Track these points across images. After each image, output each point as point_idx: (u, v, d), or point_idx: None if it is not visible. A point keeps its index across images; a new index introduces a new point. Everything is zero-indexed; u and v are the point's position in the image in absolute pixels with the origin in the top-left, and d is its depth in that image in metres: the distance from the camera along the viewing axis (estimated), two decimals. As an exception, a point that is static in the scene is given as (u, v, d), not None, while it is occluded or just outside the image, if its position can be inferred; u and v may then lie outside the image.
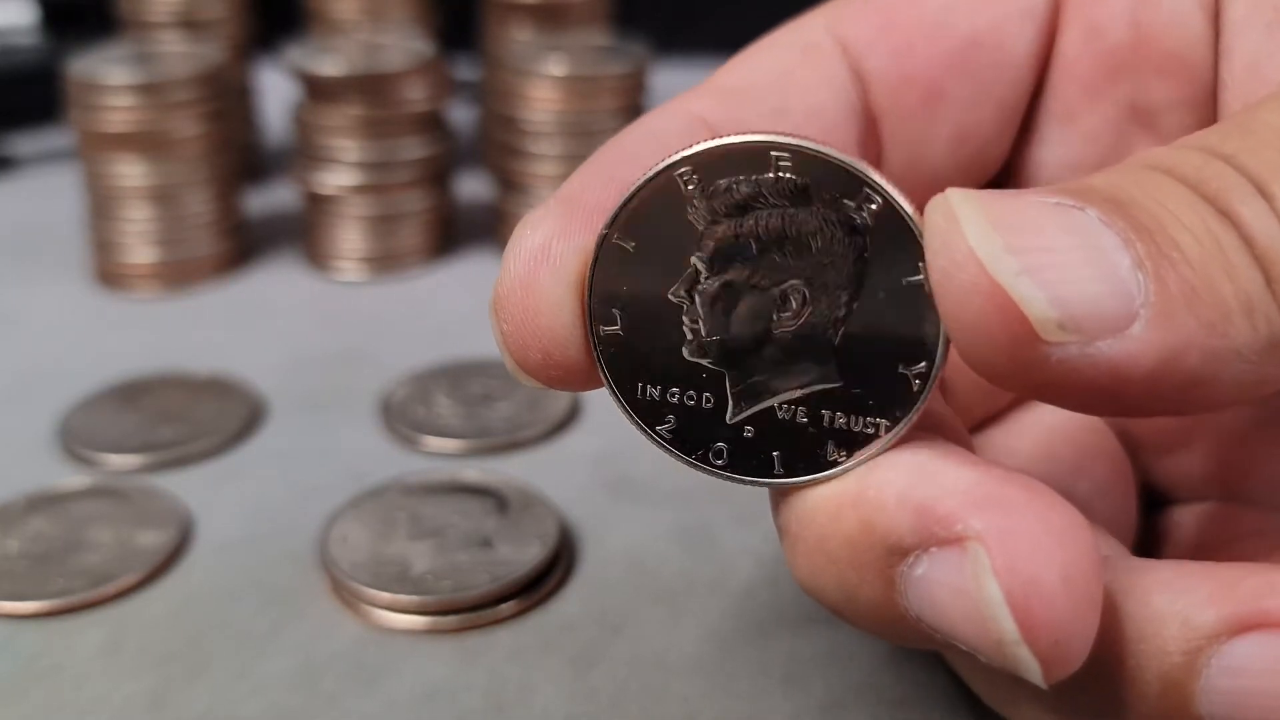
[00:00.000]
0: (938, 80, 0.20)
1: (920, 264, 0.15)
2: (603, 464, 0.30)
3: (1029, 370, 0.14)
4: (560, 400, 0.32)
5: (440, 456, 0.31)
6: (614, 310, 0.17)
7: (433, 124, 0.42)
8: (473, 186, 0.50)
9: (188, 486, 0.29)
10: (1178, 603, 0.15)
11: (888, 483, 0.15)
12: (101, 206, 0.40)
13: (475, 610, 0.24)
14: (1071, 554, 0.14)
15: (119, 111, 0.39)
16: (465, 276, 0.42)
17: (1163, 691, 0.15)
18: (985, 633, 0.14)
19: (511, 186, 0.43)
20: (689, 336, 0.16)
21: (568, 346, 0.17)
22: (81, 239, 0.43)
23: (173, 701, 0.22)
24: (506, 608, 0.24)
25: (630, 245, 0.16)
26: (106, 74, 0.39)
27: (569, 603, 0.25)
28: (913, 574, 0.15)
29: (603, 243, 0.16)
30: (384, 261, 0.42)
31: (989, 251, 0.14)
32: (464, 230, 0.45)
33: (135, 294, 0.41)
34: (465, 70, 0.52)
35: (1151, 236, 0.14)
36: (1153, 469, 0.23)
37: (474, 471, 0.29)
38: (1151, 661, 0.15)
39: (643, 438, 0.17)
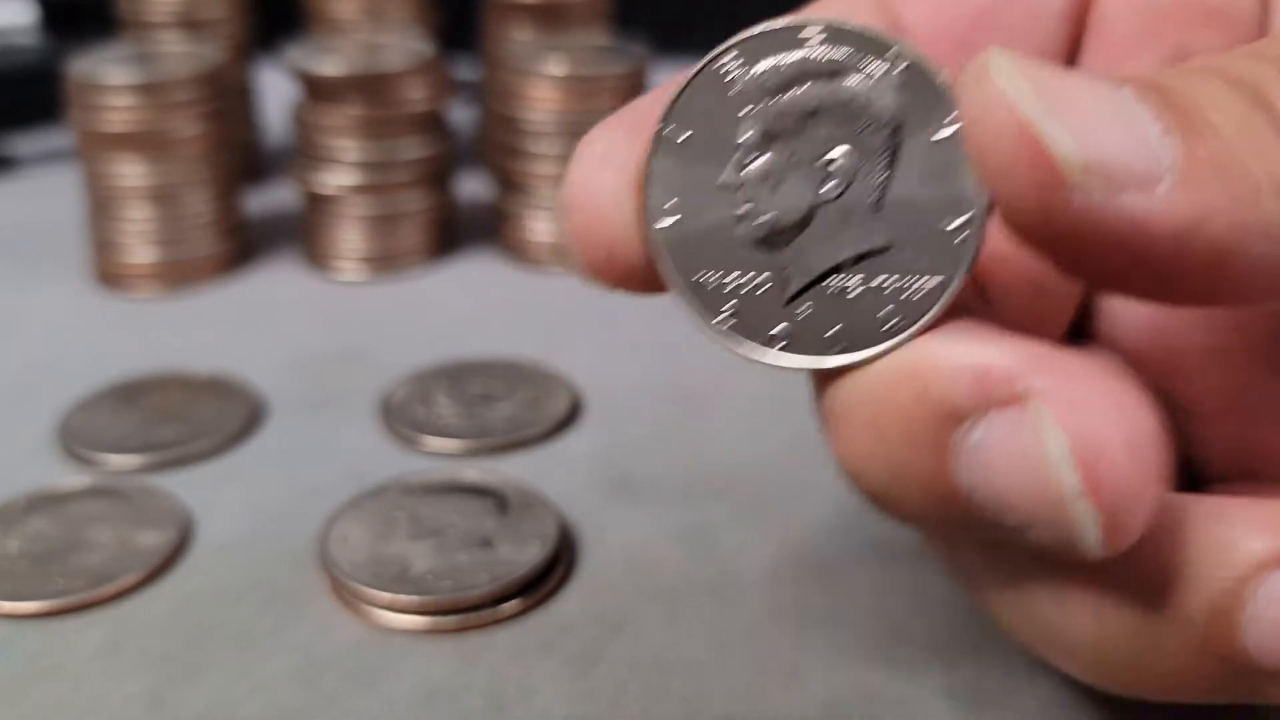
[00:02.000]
0: (970, 33, 0.20)
1: (952, 119, 0.16)
2: (602, 464, 0.30)
3: (1054, 217, 0.14)
4: (560, 400, 0.33)
5: (440, 456, 0.31)
6: (671, 202, 0.17)
7: (433, 124, 0.42)
8: (472, 186, 0.50)
9: (188, 487, 0.29)
10: (1228, 531, 0.15)
11: (944, 348, 0.16)
12: (101, 206, 0.41)
13: (475, 610, 0.24)
14: (1136, 421, 0.14)
15: (119, 111, 0.39)
16: (465, 276, 0.43)
17: (1209, 619, 0.15)
18: (1044, 491, 0.14)
19: (511, 186, 0.43)
20: (741, 218, 0.17)
21: (629, 244, 0.17)
22: (81, 239, 0.43)
23: (172, 701, 0.22)
24: (506, 607, 0.25)
25: (682, 136, 0.17)
26: (106, 74, 0.39)
27: (569, 603, 0.25)
28: (968, 441, 0.15)
29: (657, 137, 0.17)
30: (384, 261, 0.42)
31: (1019, 93, 0.14)
32: (464, 230, 0.46)
33: (135, 294, 0.41)
34: (465, 70, 0.52)
35: (1184, 113, 0.14)
36: (1190, 441, 0.23)
37: (474, 471, 0.29)
38: (1198, 587, 0.15)
39: (703, 332, 0.18)
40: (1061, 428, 0.14)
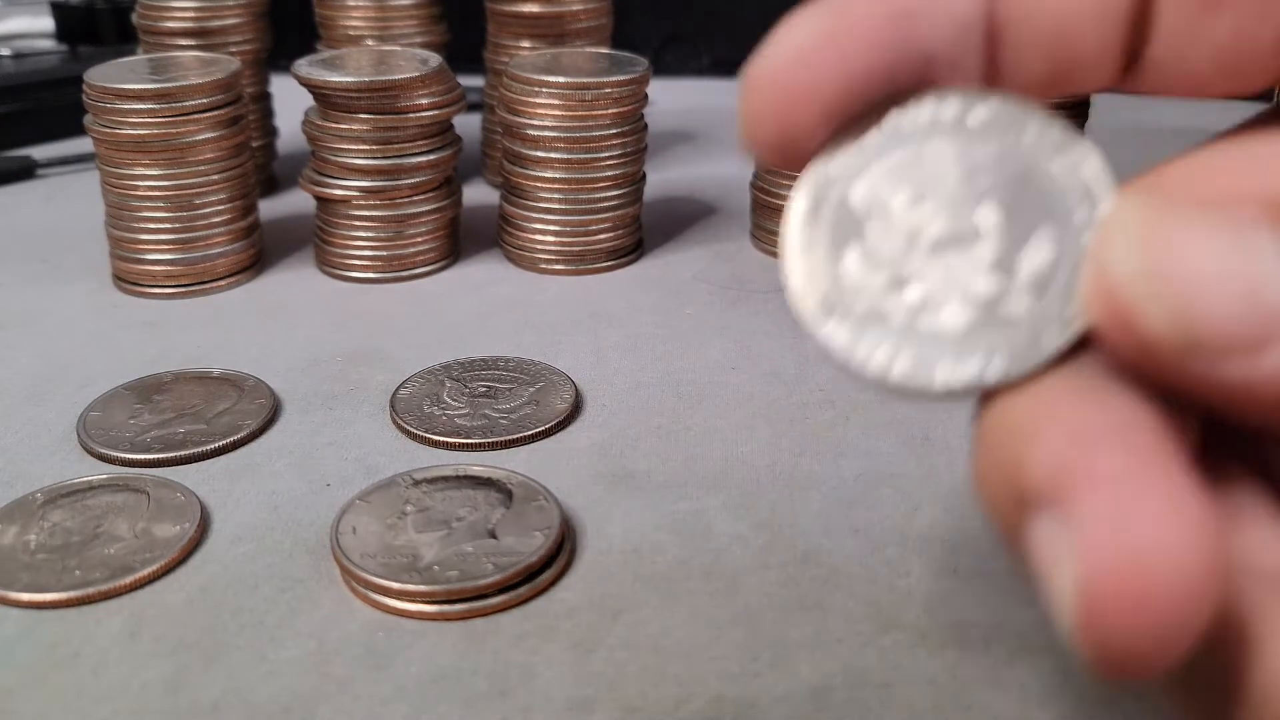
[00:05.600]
0: None
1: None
2: (602, 458, 0.31)
3: (1151, 374, 0.14)
4: (562, 397, 0.33)
5: (447, 451, 0.31)
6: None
7: (440, 132, 0.43)
8: (477, 193, 0.50)
9: (204, 481, 0.30)
10: None
11: (1034, 420, 0.14)
12: (120, 211, 0.41)
13: (480, 598, 0.25)
14: (1172, 576, 0.13)
15: (137, 118, 0.39)
16: (471, 279, 0.43)
17: None
18: (1056, 612, 0.14)
19: (514, 192, 0.43)
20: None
21: (805, 152, 0.17)
22: (101, 242, 0.44)
23: (189, 686, 0.23)
24: (510, 596, 0.25)
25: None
26: (125, 82, 0.39)
27: (570, 590, 0.26)
28: (1031, 525, 0.14)
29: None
30: (393, 264, 0.43)
31: (1124, 260, 0.14)
32: (468, 234, 0.46)
33: (153, 295, 0.41)
34: (470, 79, 0.53)
35: None
36: None
37: (479, 466, 0.29)
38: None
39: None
40: (1079, 559, 0.13)
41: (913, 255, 0.16)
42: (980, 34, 0.17)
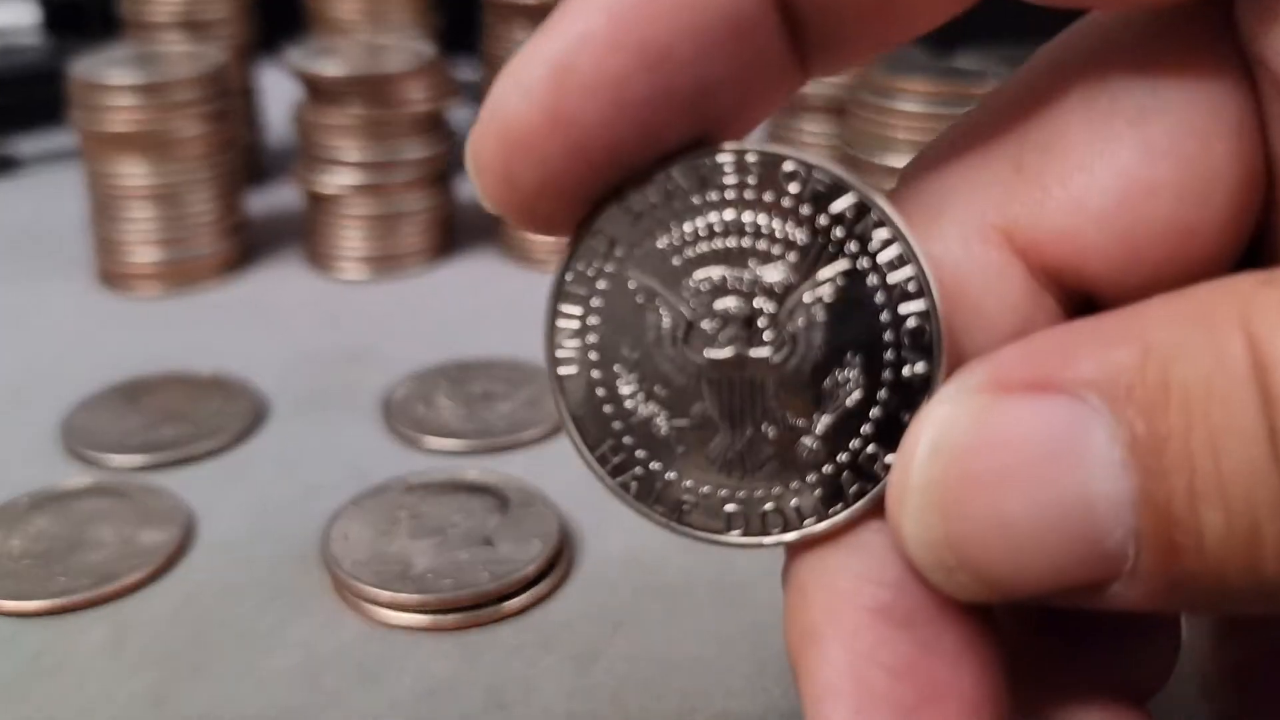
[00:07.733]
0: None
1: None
2: (603, 463, 0.30)
3: None
4: (561, 399, 0.33)
5: (441, 455, 0.31)
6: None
7: (433, 125, 0.42)
8: (473, 188, 0.50)
9: (190, 485, 0.29)
10: None
11: (817, 625, 0.14)
12: (104, 207, 0.41)
13: (476, 608, 0.25)
14: None
15: (121, 112, 0.39)
16: (466, 276, 0.43)
17: None
18: None
19: (512, 187, 0.43)
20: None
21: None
22: (84, 239, 0.43)
23: (175, 698, 0.23)
24: (507, 605, 0.25)
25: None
26: (109, 75, 0.39)
27: (569, 600, 0.25)
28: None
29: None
30: (385, 261, 0.42)
31: (922, 549, 0.12)
32: (464, 230, 0.46)
33: (138, 294, 0.41)
34: (465, 71, 0.52)
35: (1170, 498, 0.11)
36: None
37: (475, 471, 0.29)
38: None
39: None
40: None
41: (697, 371, 0.14)
42: (772, 11, 0.13)
